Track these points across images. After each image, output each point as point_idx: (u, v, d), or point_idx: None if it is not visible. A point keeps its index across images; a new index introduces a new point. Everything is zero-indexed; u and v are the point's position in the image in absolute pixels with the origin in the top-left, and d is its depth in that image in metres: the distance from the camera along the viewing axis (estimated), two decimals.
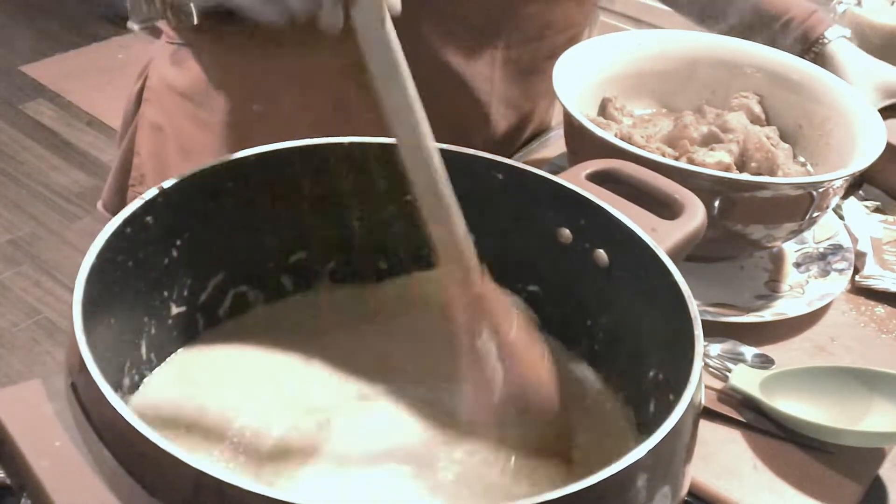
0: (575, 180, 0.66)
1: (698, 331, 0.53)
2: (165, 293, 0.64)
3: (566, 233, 0.66)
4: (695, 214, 0.65)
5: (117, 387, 0.61)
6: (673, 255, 0.60)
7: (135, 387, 0.63)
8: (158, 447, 0.42)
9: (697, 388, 0.50)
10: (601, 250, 0.64)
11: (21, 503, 0.45)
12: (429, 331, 0.67)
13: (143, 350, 0.64)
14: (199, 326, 0.68)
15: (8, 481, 0.45)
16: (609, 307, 0.66)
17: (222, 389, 0.64)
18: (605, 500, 0.46)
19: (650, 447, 0.46)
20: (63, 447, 0.43)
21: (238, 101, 1.02)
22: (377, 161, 0.67)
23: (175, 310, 0.65)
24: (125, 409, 0.43)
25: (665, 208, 0.66)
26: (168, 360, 0.66)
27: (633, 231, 0.61)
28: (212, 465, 0.41)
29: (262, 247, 0.69)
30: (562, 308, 0.69)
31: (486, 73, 1.02)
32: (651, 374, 0.63)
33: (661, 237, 0.61)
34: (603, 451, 0.63)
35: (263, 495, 0.41)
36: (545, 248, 0.67)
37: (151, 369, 0.65)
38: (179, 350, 0.67)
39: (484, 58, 1.01)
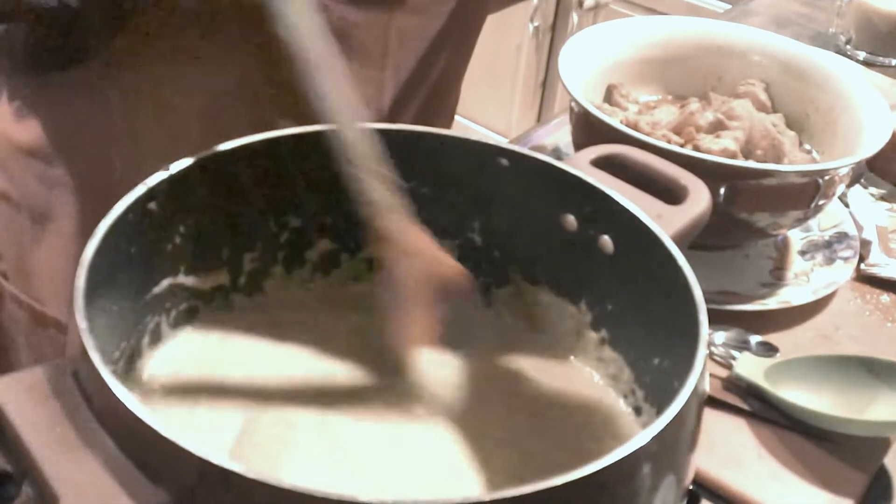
0: (579, 166, 0.65)
1: (703, 317, 0.53)
2: (169, 279, 0.64)
3: (571, 219, 0.65)
4: (700, 199, 0.65)
5: (119, 373, 0.61)
6: (678, 240, 0.60)
7: (138, 373, 0.63)
8: (161, 435, 0.41)
9: (702, 375, 0.50)
10: (606, 237, 0.64)
11: (22, 491, 0.45)
12: None
13: (147, 336, 0.63)
14: (204, 312, 0.68)
15: (9, 468, 0.45)
16: (614, 294, 0.66)
17: (227, 375, 0.64)
18: (610, 488, 0.46)
19: (653, 434, 0.45)
20: (64, 434, 0.43)
21: (96, 148, 0.91)
22: (383, 146, 0.67)
23: (179, 295, 0.65)
24: (127, 397, 0.43)
25: (670, 193, 0.65)
26: (172, 345, 0.65)
27: (637, 217, 0.60)
28: (215, 453, 0.41)
29: (268, 233, 0.69)
30: (566, 295, 0.69)
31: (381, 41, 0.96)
32: (656, 361, 0.62)
33: (666, 223, 0.61)
34: (607, 439, 0.63)
35: (268, 483, 0.40)
36: (550, 234, 0.66)
37: (155, 355, 0.64)
38: (183, 335, 0.66)
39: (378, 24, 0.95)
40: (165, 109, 0.87)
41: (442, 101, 1.05)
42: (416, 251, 0.61)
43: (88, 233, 0.52)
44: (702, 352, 0.51)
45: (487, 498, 0.42)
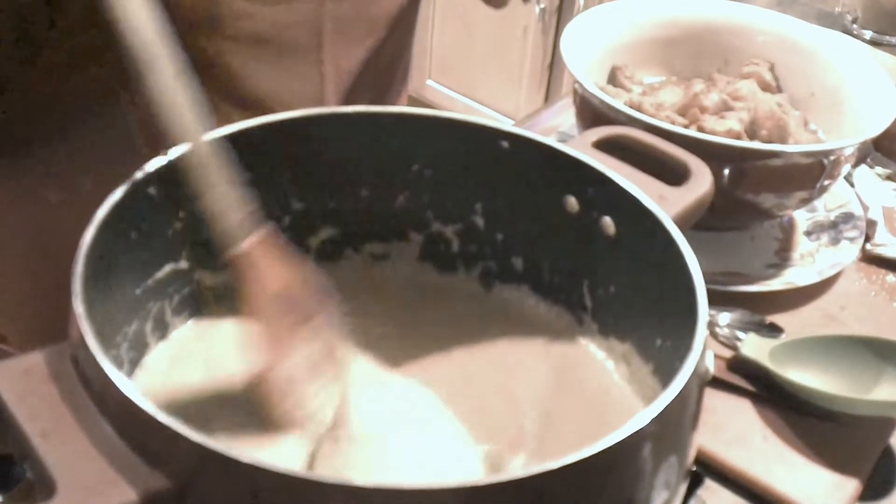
0: (581, 148, 0.65)
1: (702, 297, 0.53)
2: (171, 264, 0.64)
3: (573, 201, 0.65)
4: (702, 180, 0.65)
5: (124, 357, 0.61)
6: (680, 221, 0.60)
7: (140, 358, 0.63)
8: (156, 419, 0.41)
9: (702, 355, 0.49)
10: (608, 218, 0.64)
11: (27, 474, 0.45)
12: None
13: (150, 321, 0.63)
14: (207, 297, 0.68)
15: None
16: (617, 276, 0.66)
17: (231, 361, 0.64)
18: (611, 470, 0.46)
19: (654, 415, 0.45)
20: (61, 418, 0.43)
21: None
22: (387, 130, 0.67)
23: (182, 281, 0.65)
24: (123, 381, 0.43)
25: (672, 175, 0.65)
26: (176, 331, 0.66)
27: (638, 199, 0.60)
28: (211, 438, 0.41)
29: (270, 218, 0.68)
30: (569, 278, 0.69)
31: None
32: (658, 342, 0.62)
33: (668, 204, 0.61)
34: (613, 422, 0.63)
35: (265, 468, 0.40)
36: (552, 217, 0.66)
37: (158, 341, 0.64)
38: (188, 322, 0.66)
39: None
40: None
41: (392, 79, 1.04)
42: (261, 264, 0.58)
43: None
44: (701, 332, 0.50)
45: (485, 482, 0.42)
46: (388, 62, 0.98)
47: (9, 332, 0.91)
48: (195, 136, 0.54)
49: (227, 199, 0.55)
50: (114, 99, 0.80)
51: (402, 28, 0.98)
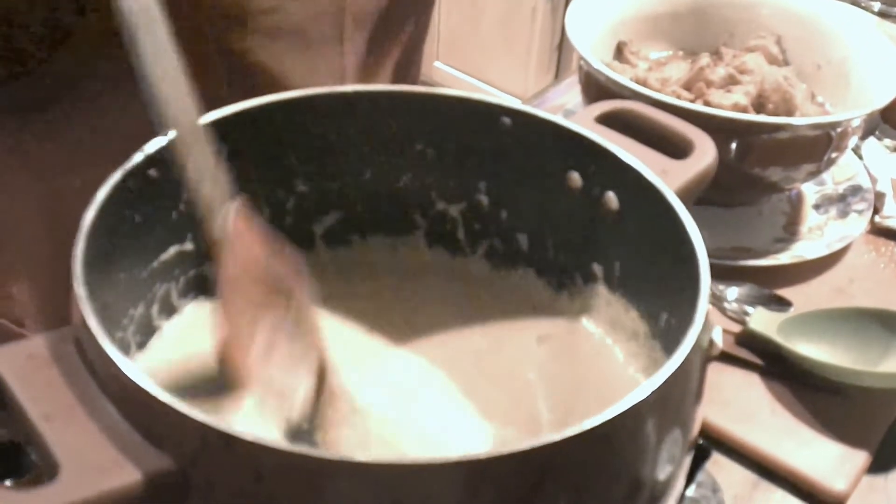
0: (584, 123, 0.65)
1: (704, 269, 0.53)
2: (176, 246, 0.64)
3: (576, 177, 0.65)
4: (705, 153, 0.64)
5: (131, 339, 0.61)
6: (683, 195, 0.59)
7: (147, 340, 0.63)
8: (160, 401, 0.41)
9: (703, 328, 0.49)
10: (611, 193, 0.63)
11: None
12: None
13: (157, 303, 0.64)
14: (213, 281, 0.68)
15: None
16: (622, 252, 0.66)
17: None
18: (614, 442, 0.46)
19: (654, 388, 0.45)
20: (64, 401, 0.43)
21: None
22: (386, 110, 0.67)
23: (187, 262, 0.65)
24: (126, 364, 0.43)
25: (675, 148, 0.65)
26: (182, 313, 0.66)
27: (640, 173, 0.60)
28: (217, 418, 0.41)
29: (274, 199, 0.69)
30: (574, 255, 0.69)
31: None
32: (664, 317, 0.62)
33: (671, 178, 0.60)
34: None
35: (270, 447, 0.40)
36: (555, 193, 0.66)
37: (165, 323, 0.65)
38: (192, 303, 0.66)
39: None
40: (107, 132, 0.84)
41: (406, 75, 1.05)
42: (242, 246, 0.57)
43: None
44: (702, 304, 0.50)
45: (487, 455, 0.42)
46: (406, 53, 0.99)
47: (27, 316, 0.92)
48: (181, 117, 0.53)
49: (207, 173, 0.54)
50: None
51: (417, 29, 0.99)
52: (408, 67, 1.05)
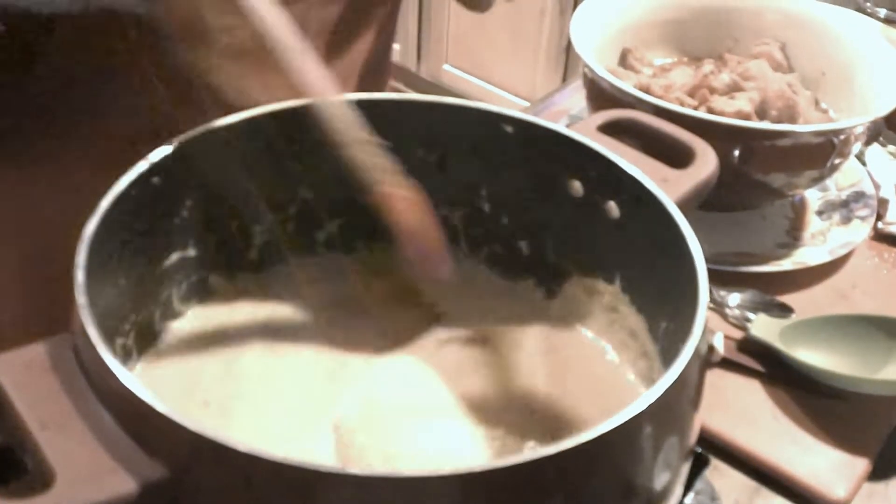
0: (586, 132, 0.65)
1: (703, 280, 0.53)
2: (178, 252, 0.64)
3: (577, 185, 0.65)
4: (706, 162, 0.64)
5: (131, 346, 0.61)
6: (684, 204, 0.60)
7: (149, 347, 0.63)
8: (155, 410, 0.41)
9: (702, 337, 0.49)
10: (612, 202, 0.64)
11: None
12: None
13: (159, 309, 0.64)
14: (214, 286, 0.68)
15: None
16: (622, 260, 0.66)
17: (237, 350, 0.64)
18: (612, 452, 0.46)
19: (653, 399, 0.45)
20: (60, 408, 0.43)
21: None
22: (388, 117, 0.67)
23: (189, 269, 0.65)
24: (123, 373, 0.43)
25: (677, 157, 0.65)
26: (184, 318, 0.66)
27: (641, 182, 0.60)
28: (209, 427, 0.41)
29: (276, 205, 0.69)
30: (575, 262, 0.69)
31: None
32: (663, 325, 0.62)
33: (671, 187, 0.61)
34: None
35: (263, 457, 0.40)
36: (556, 200, 0.66)
37: (166, 328, 0.65)
38: (193, 309, 0.67)
39: None
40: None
41: (373, 82, 1.05)
42: (410, 205, 0.62)
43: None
44: (701, 313, 0.50)
45: (483, 467, 0.42)
46: (371, 63, 0.99)
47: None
48: (331, 96, 0.59)
49: (368, 151, 0.59)
50: (139, 80, 0.81)
51: (383, 35, 0.99)
52: (376, 76, 1.04)
